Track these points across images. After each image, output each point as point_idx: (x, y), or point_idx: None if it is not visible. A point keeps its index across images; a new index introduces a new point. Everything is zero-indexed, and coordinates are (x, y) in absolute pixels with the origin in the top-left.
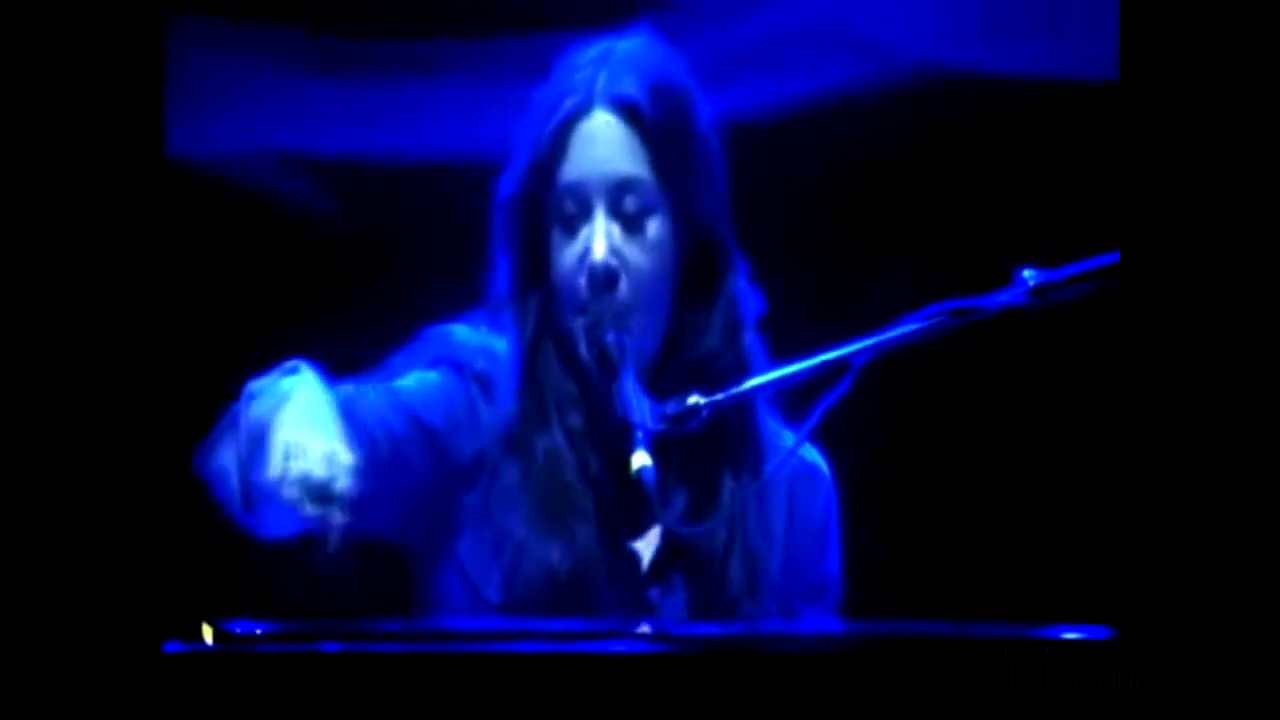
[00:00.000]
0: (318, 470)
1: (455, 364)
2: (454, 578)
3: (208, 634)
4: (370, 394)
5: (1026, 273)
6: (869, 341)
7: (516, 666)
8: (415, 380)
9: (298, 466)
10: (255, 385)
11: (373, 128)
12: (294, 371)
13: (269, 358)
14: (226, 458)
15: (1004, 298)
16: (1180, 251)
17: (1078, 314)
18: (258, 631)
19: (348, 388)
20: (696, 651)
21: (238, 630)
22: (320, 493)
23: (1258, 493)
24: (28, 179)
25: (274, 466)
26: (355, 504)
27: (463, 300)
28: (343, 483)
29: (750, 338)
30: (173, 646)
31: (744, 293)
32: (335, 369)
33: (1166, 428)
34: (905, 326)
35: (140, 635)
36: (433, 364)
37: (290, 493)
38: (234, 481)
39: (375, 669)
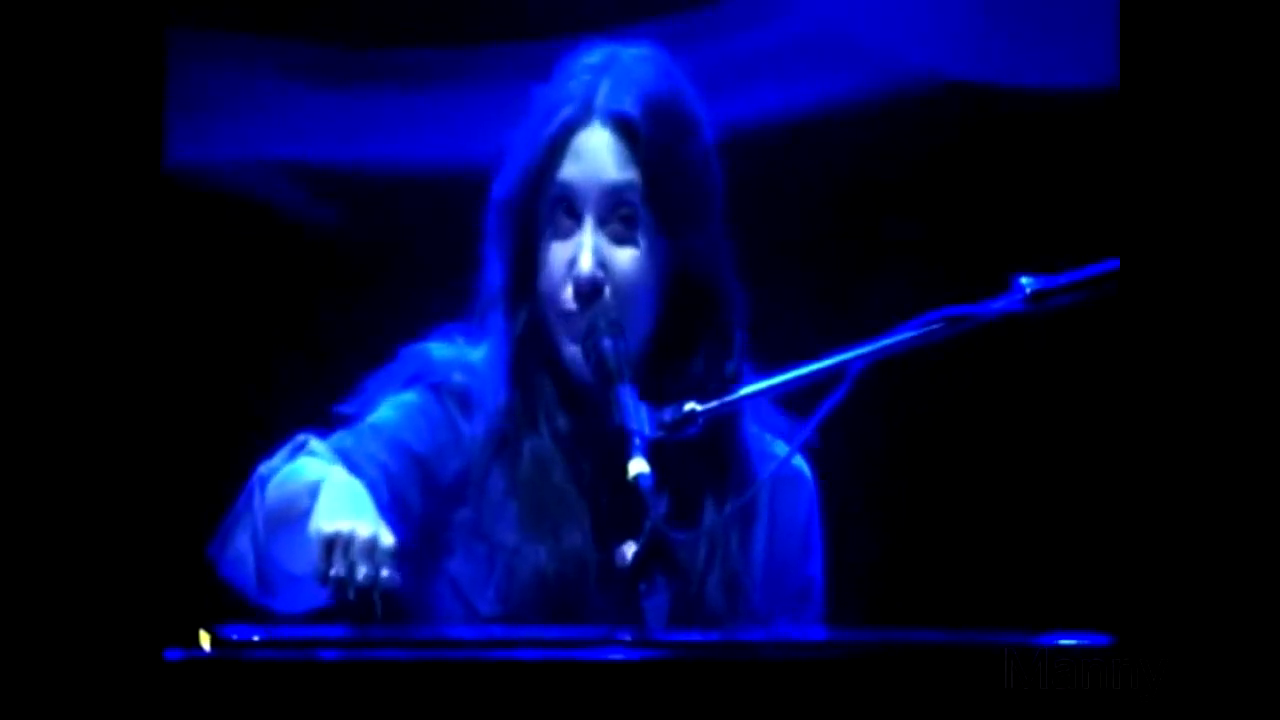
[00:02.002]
0: (363, 564)
1: (432, 383)
2: (447, 596)
3: (206, 641)
4: (364, 439)
5: (1024, 279)
6: (866, 348)
7: (512, 673)
8: (394, 409)
9: (343, 561)
10: (266, 468)
11: (370, 137)
12: (303, 447)
13: (267, 363)
14: (242, 544)
15: (1001, 304)
16: (1179, 258)
17: (1076, 321)
18: (256, 638)
19: (345, 438)
20: (690, 658)
21: (236, 637)
22: (367, 584)
23: (1256, 499)
24: (26, 188)
25: (319, 562)
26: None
27: (460, 309)
28: (387, 572)
29: (736, 368)
30: (172, 653)
31: (736, 326)
32: (334, 375)
33: (1165, 434)
34: (903, 333)
35: (140, 642)
36: (409, 384)
37: (336, 588)
38: (250, 567)
39: (372, 676)
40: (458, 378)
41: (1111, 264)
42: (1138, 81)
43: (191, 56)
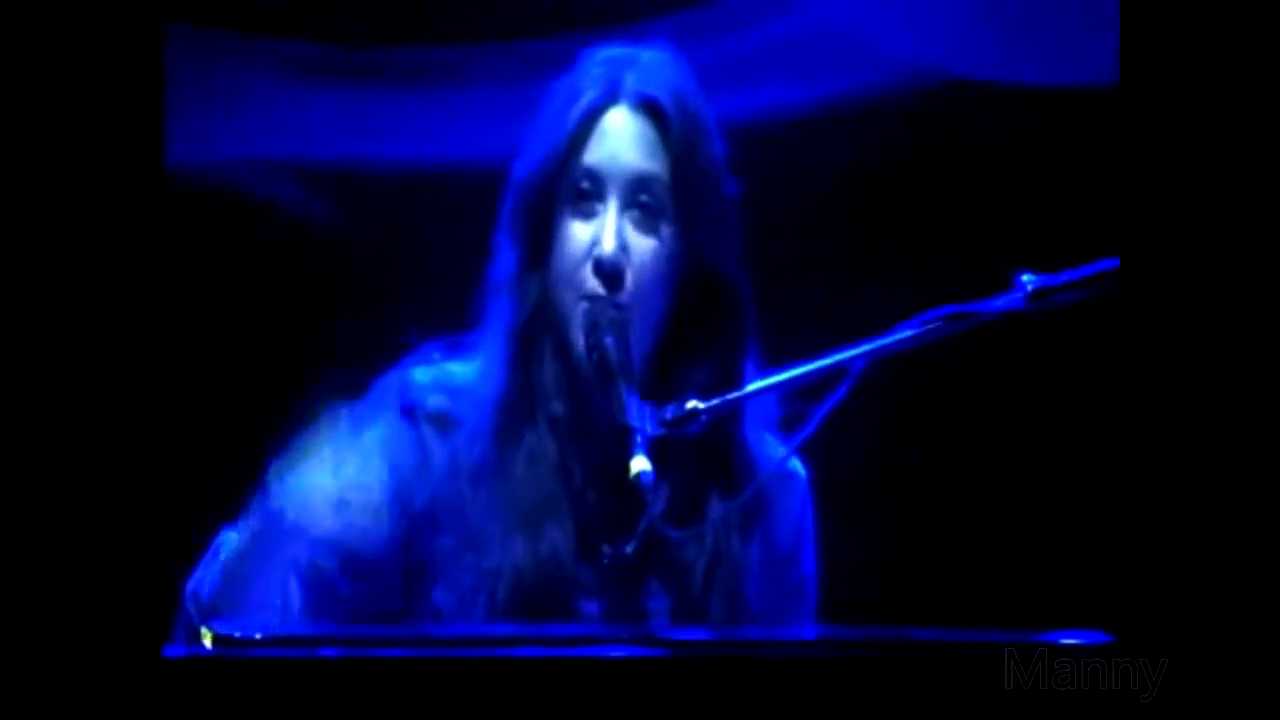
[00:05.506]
0: None
1: (406, 409)
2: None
3: (207, 639)
4: (287, 540)
5: (1026, 277)
6: (867, 346)
7: (514, 672)
8: (351, 452)
9: None
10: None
11: (370, 137)
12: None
13: (266, 364)
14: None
15: (1003, 302)
16: (1179, 257)
17: (1077, 319)
18: (257, 636)
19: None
20: (687, 656)
21: (237, 635)
22: None
23: (1256, 497)
24: (27, 189)
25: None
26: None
27: (462, 309)
28: None
29: (745, 371)
30: (172, 651)
31: (748, 330)
32: (333, 377)
33: (1165, 433)
34: (904, 331)
35: (140, 640)
36: (384, 412)
37: None
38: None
39: (373, 674)
40: (435, 400)
41: (1111, 263)
42: (1138, 79)
43: (191, 55)
